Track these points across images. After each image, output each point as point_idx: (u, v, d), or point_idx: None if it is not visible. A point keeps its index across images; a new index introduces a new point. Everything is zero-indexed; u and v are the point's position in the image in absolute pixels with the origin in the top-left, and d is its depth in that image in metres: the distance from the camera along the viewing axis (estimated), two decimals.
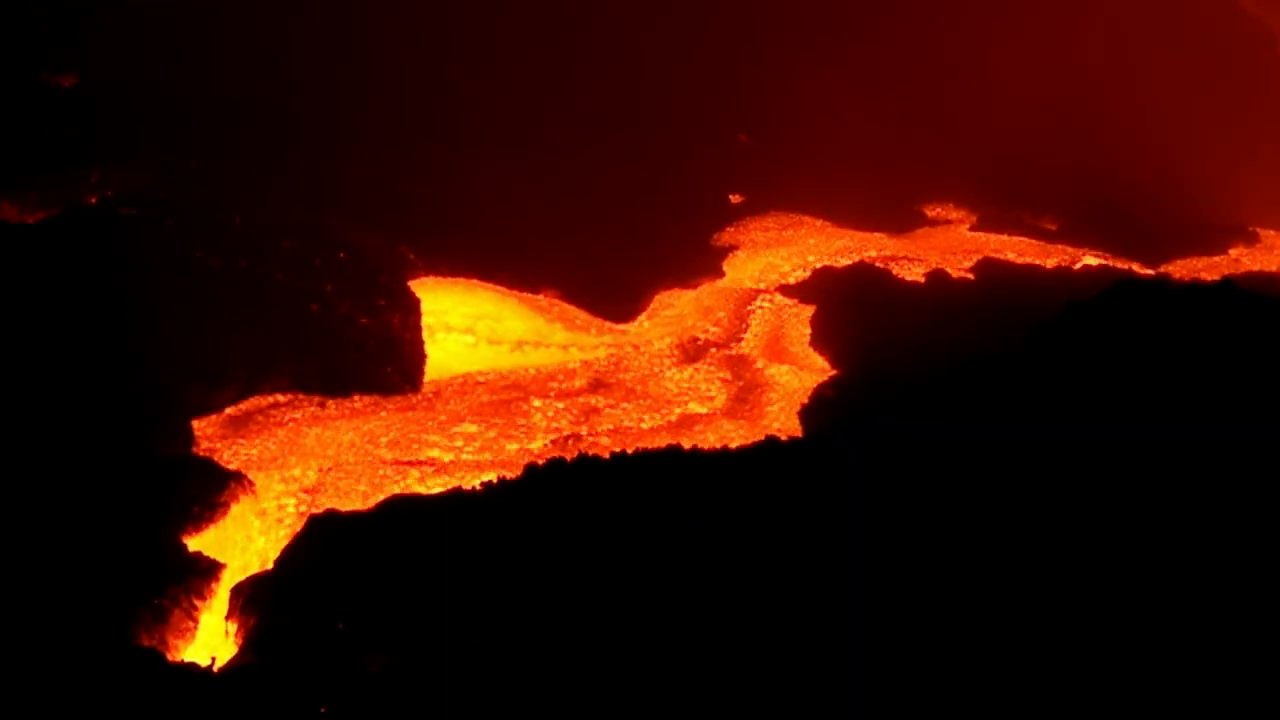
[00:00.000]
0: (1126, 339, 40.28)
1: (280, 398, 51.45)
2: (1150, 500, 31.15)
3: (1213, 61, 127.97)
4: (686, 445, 41.07)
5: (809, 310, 66.63)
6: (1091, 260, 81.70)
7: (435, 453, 47.53)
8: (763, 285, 71.67)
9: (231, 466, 43.36)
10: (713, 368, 58.66)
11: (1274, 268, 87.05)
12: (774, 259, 76.22)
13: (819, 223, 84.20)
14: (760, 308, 67.49)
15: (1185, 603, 26.98)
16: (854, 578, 29.35)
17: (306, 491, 43.52)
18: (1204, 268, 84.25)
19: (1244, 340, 38.07)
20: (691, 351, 61.00)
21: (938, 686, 25.53)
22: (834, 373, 58.33)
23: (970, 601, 28.08)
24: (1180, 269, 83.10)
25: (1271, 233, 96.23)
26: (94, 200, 56.80)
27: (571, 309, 64.45)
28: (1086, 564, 28.88)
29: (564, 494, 35.39)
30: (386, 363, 54.42)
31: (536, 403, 52.84)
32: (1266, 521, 29.41)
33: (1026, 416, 38.07)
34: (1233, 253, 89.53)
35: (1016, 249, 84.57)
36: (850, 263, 75.03)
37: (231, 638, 31.68)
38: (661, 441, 47.76)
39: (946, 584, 28.85)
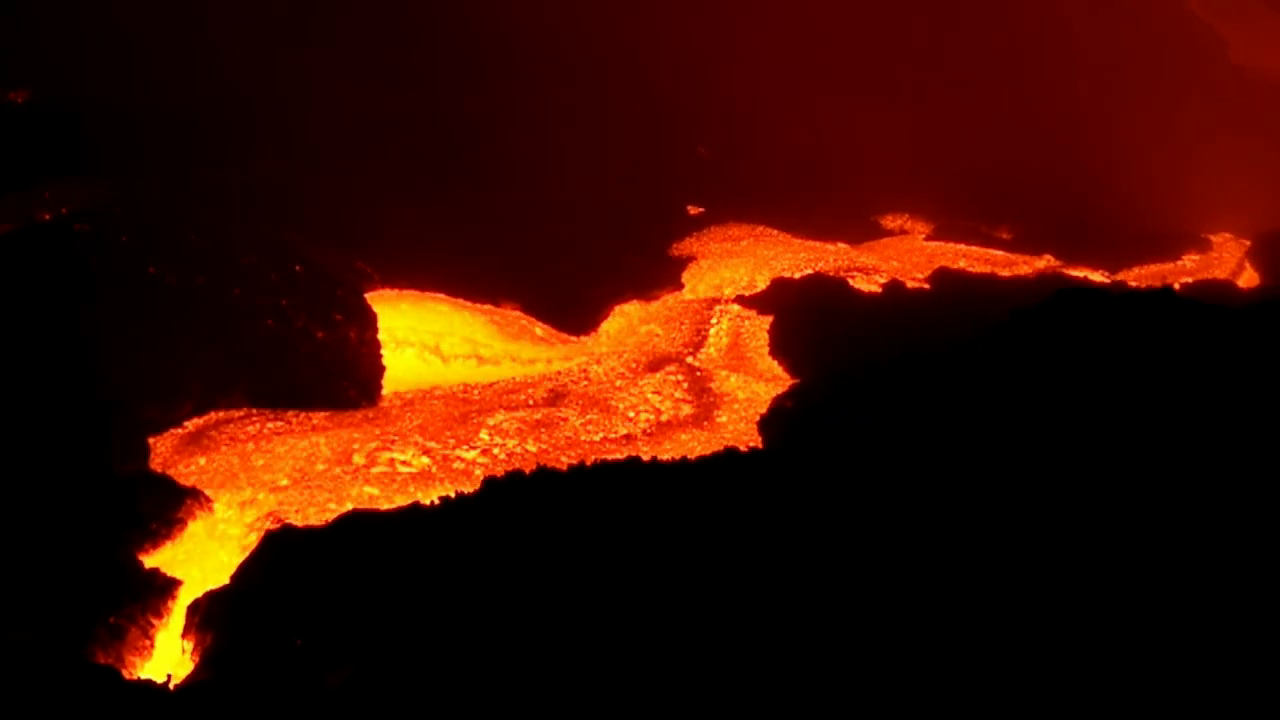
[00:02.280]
0: (1068, 345, 40.87)
1: (237, 413, 51.23)
2: (1087, 499, 31.59)
3: (1167, 69, 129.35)
4: (646, 457, 41.19)
5: (767, 321, 66.80)
6: (1046, 269, 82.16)
7: (393, 467, 47.37)
8: (721, 296, 71.88)
9: (188, 483, 43.11)
10: (672, 379, 58.68)
11: (1225, 274, 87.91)
12: (732, 270, 76.45)
13: (777, 234, 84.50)
14: (719, 319, 67.61)
15: (1128, 599, 27.30)
16: (815, 583, 29.56)
17: (263, 507, 43.26)
18: (1157, 274, 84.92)
19: (1180, 345, 38.68)
20: (651, 363, 61.08)
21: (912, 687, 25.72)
22: (792, 382, 58.47)
23: (930, 601, 28.29)
24: (1134, 276, 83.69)
25: (1224, 239, 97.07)
26: (48, 216, 56.36)
27: (531, 321, 64.50)
28: (1033, 564, 29.17)
29: (523, 507, 35.43)
30: (343, 377, 54.34)
31: (495, 416, 52.75)
32: (1201, 521, 29.78)
33: (973, 421, 38.51)
34: (1186, 260, 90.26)
35: (973, 258, 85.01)
36: (808, 273, 75.27)
37: (188, 655, 31.55)
38: (621, 453, 47.92)
39: (908, 587, 29.05)
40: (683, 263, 77.60)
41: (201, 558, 39.60)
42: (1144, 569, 28.36)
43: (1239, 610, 26.45)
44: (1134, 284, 79.15)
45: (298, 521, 39.90)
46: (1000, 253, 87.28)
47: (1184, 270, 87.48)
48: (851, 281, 73.76)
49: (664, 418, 54.63)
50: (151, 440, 47.56)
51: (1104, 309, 42.93)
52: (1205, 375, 36.51)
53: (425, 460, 48.14)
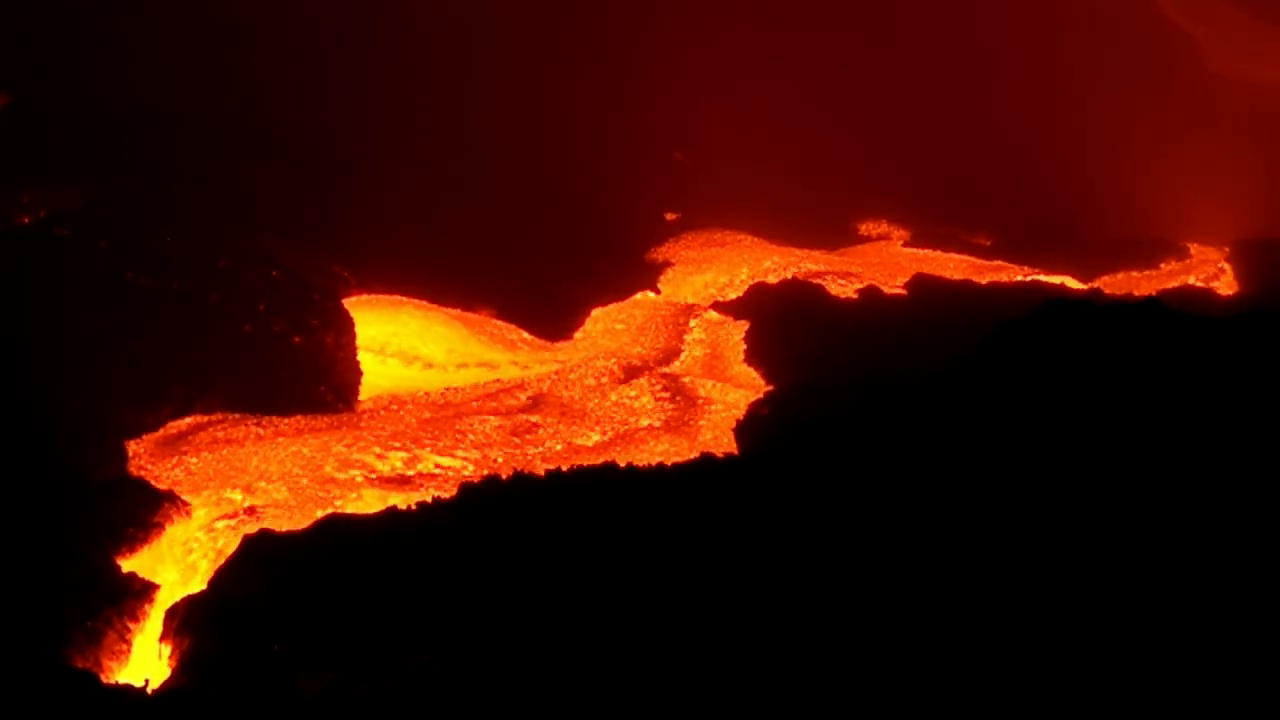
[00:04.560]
0: (1057, 357, 40.76)
1: (214, 418, 51.13)
2: (1082, 517, 31.62)
3: (1144, 75, 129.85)
4: (623, 463, 41.23)
5: (744, 327, 66.88)
6: (1023, 276, 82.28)
7: (370, 473, 47.36)
8: (698, 302, 72.00)
9: (165, 487, 43.06)
10: (648, 385, 58.72)
11: (1203, 281, 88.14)
12: (709, 276, 76.56)
13: (754, 239, 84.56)
14: (696, 325, 67.70)
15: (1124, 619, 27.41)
16: (792, 592, 29.63)
17: (241, 512, 43.18)
18: (1135, 282, 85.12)
19: (1170, 357, 38.64)
20: (627, 369, 61.10)
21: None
22: (769, 389, 58.54)
23: (911, 614, 28.39)
24: (1112, 284, 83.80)
25: (1203, 247, 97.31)
26: (27, 220, 56.32)
27: (507, 327, 64.56)
28: (1019, 585, 29.25)
29: (499, 513, 35.49)
30: (320, 382, 54.33)
31: (471, 421, 52.74)
32: (1192, 537, 29.86)
33: (962, 434, 38.44)
34: (1164, 267, 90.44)
35: (950, 265, 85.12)
36: (785, 279, 75.33)
37: (165, 660, 31.55)
38: (598, 459, 47.92)
39: (888, 597, 29.15)
40: (659, 268, 77.70)
41: (179, 562, 39.62)
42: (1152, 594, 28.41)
43: (1237, 636, 26.47)
44: (1112, 291, 79.14)
45: (275, 526, 39.86)
46: (977, 259, 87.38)
47: (1163, 278, 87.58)
48: (829, 287, 73.91)
49: (641, 424, 54.68)
50: (129, 444, 47.49)
51: (1092, 320, 42.71)
52: (1204, 388, 36.39)
53: (401, 465, 48.16)
